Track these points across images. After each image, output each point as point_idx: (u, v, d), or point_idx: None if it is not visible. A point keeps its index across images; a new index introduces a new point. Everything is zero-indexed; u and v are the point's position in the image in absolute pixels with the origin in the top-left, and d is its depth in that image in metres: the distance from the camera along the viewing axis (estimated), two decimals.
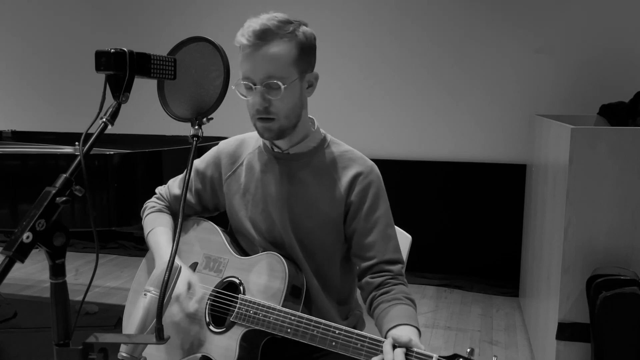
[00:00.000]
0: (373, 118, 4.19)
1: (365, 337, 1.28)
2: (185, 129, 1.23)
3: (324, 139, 1.54)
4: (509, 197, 3.86)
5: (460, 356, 1.17)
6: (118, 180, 2.53)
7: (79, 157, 0.98)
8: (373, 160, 1.53)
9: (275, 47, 1.35)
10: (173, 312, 1.44)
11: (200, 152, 1.50)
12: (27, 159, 2.67)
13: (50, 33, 4.81)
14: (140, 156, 2.62)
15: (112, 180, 2.51)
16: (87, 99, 4.43)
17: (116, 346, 1.04)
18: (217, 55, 1.24)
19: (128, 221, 2.55)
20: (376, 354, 1.24)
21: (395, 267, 1.46)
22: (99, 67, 1.02)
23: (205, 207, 1.67)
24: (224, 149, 1.62)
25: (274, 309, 1.38)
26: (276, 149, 1.52)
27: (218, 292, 1.49)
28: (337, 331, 1.31)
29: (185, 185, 1.13)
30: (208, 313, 1.48)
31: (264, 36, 1.34)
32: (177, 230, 1.07)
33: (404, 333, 1.25)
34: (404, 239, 1.74)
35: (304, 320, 1.34)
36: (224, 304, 1.46)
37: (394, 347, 1.21)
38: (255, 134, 1.60)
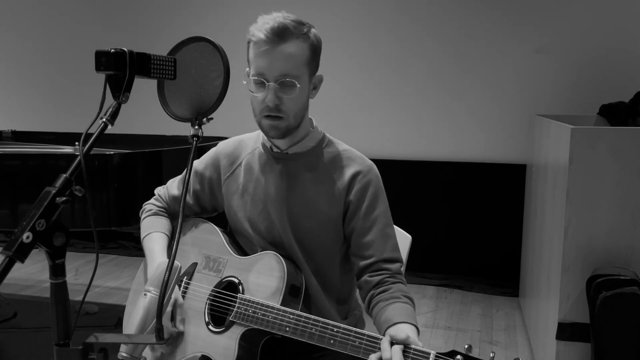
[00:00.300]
0: (373, 118, 4.19)
1: (364, 334, 1.28)
2: (185, 129, 1.23)
3: (323, 139, 1.54)
4: (509, 197, 3.86)
5: (458, 352, 1.16)
6: (118, 180, 2.53)
7: (79, 157, 0.98)
8: (373, 160, 1.53)
9: (292, 46, 1.36)
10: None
11: (200, 152, 1.50)
12: (27, 159, 2.67)
13: (51, 33, 4.81)
14: (140, 156, 2.62)
15: (112, 180, 2.52)
16: (87, 99, 4.43)
17: (116, 346, 1.04)
18: (217, 55, 1.24)
19: (128, 221, 2.55)
20: (374, 352, 1.24)
21: (394, 266, 1.47)
22: (99, 67, 1.02)
23: (203, 207, 1.67)
24: (222, 150, 1.62)
25: (272, 308, 1.38)
26: (275, 149, 1.52)
27: (217, 292, 1.49)
28: (335, 329, 1.31)
29: (185, 186, 1.13)
30: (207, 313, 1.48)
31: (282, 34, 1.35)
32: (177, 231, 1.07)
33: (402, 331, 1.25)
34: (404, 239, 1.74)
35: (303, 319, 1.35)
36: (223, 304, 1.46)
37: (392, 344, 1.21)
38: (254, 134, 1.61)
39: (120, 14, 4.64)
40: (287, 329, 1.35)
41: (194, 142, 1.18)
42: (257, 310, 1.39)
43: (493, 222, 3.97)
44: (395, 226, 1.57)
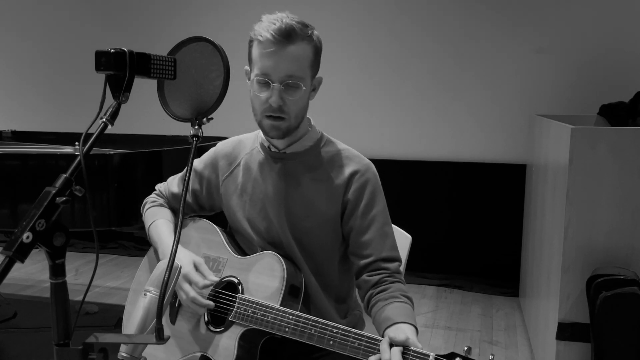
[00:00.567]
0: (373, 118, 4.19)
1: (363, 336, 1.28)
2: (185, 129, 1.23)
3: (321, 138, 1.54)
4: (509, 197, 3.86)
5: (457, 355, 1.16)
6: (118, 180, 2.53)
7: (79, 157, 0.98)
8: (373, 160, 1.54)
9: (299, 48, 1.37)
10: (186, 290, 1.44)
11: (200, 152, 1.50)
12: (27, 159, 2.67)
13: (51, 33, 4.81)
14: (140, 156, 2.62)
15: (112, 180, 2.52)
16: (87, 99, 4.43)
17: (116, 346, 1.04)
18: (217, 55, 1.24)
19: (128, 221, 2.55)
20: (374, 353, 1.24)
21: (393, 265, 1.46)
22: (99, 67, 1.02)
23: (201, 206, 1.67)
24: (221, 150, 1.62)
25: (272, 308, 1.38)
26: (273, 149, 1.52)
27: (217, 292, 1.49)
28: (334, 330, 1.31)
29: (185, 186, 1.13)
30: (207, 312, 1.48)
31: (289, 36, 1.35)
32: (177, 230, 1.07)
33: (401, 332, 1.25)
34: (404, 239, 1.74)
35: (302, 319, 1.35)
36: (223, 304, 1.46)
37: (391, 345, 1.21)
38: (252, 134, 1.61)
39: (120, 14, 4.64)
40: (287, 329, 1.36)
41: (194, 142, 1.18)
42: (257, 311, 1.39)
43: (493, 222, 3.97)
44: (395, 226, 1.57)
